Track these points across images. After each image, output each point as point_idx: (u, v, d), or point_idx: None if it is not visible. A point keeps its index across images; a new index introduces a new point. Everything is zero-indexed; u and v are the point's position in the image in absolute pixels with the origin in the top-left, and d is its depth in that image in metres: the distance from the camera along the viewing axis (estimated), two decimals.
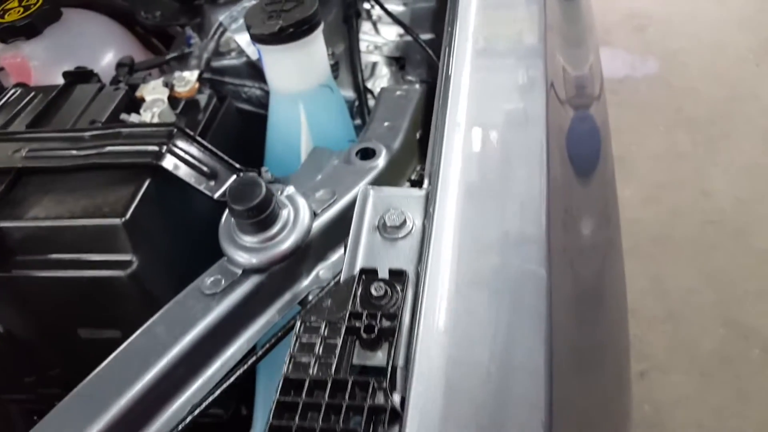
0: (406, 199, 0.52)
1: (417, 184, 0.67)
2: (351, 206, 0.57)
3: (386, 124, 0.71)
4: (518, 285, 0.48)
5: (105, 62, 1.09)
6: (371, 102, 0.90)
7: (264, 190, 0.52)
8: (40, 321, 0.69)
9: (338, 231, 0.58)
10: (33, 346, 0.71)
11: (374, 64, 0.93)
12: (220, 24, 0.87)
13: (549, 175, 0.58)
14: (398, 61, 0.97)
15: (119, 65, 0.85)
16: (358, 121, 0.91)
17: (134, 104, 0.79)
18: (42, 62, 1.03)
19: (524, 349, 0.45)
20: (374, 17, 1.01)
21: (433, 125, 0.64)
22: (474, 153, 0.59)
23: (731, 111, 3.00)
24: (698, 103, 3.13)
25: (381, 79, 0.92)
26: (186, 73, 0.78)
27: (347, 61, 0.92)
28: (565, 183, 0.69)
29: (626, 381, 0.91)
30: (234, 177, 0.69)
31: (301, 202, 0.56)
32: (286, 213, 0.54)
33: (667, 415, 1.94)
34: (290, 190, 0.56)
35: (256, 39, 0.69)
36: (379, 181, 0.64)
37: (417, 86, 0.80)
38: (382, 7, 0.97)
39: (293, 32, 0.69)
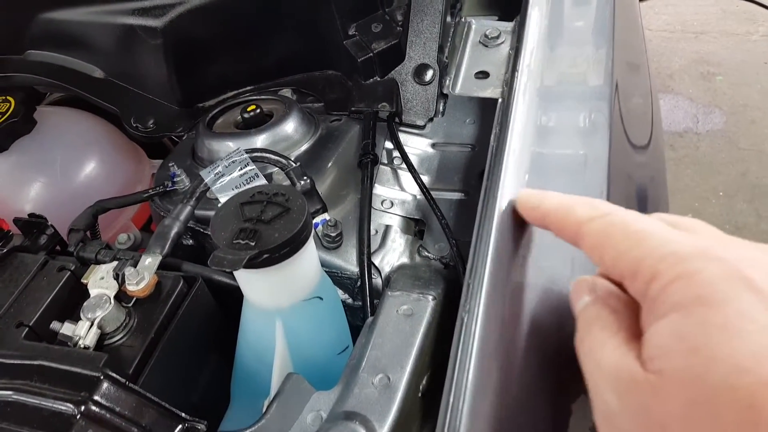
0: None
1: None
2: None
3: (378, 377, 0.55)
4: None
5: (85, 173, 0.95)
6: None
7: None
8: None
9: None
10: None
11: (387, 229, 0.76)
12: (202, 179, 0.71)
13: None
14: (417, 224, 0.80)
15: (71, 231, 0.70)
16: (359, 302, 0.75)
17: (78, 291, 0.64)
18: (7, 182, 0.89)
19: None
20: (396, 161, 0.84)
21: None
22: None
23: None
24: (765, 169, 2.87)
25: (393, 253, 0.75)
26: (144, 263, 0.62)
27: (355, 224, 0.75)
28: None
29: None
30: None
31: None
32: None
33: None
34: None
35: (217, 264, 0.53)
36: None
37: (430, 298, 0.63)
38: (402, 153, 0.80)
39: (268, 258, 0.53)
